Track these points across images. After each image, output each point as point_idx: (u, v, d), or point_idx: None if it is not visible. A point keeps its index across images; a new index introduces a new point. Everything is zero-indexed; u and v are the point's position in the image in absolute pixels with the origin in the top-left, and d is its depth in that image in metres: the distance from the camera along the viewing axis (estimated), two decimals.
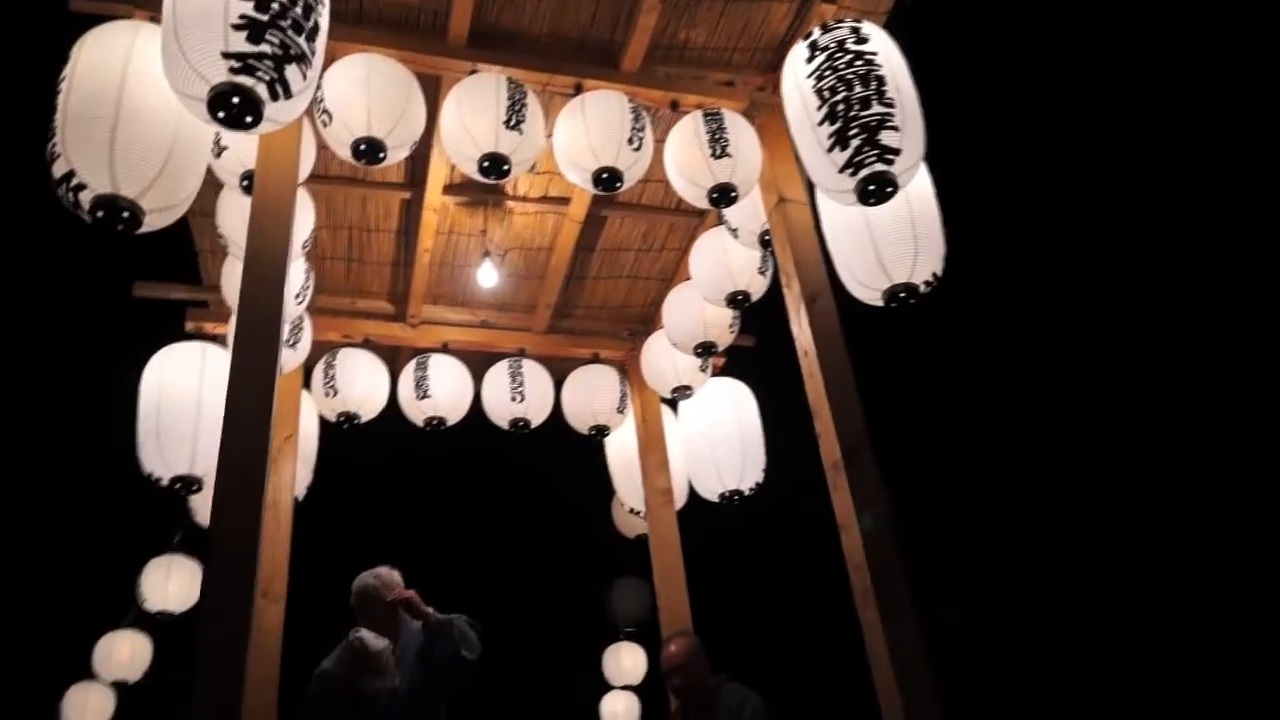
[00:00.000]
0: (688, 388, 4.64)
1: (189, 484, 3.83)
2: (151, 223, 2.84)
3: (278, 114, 2.54)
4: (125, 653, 6.30)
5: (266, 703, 3.76)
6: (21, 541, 8.56)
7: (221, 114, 2.46)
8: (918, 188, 3.36)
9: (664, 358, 4.67)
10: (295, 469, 4.30)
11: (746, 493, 4.48)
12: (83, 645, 6.50)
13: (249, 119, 2.49)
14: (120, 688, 6.51)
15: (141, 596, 5.76)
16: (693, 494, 4.70)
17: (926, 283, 3.33)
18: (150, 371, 3.99)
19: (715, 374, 4.86)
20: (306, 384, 4.58)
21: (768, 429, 4.61)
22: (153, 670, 6.51)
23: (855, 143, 2.91)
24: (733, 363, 5.07)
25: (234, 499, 2.37)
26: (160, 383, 3.93)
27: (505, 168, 3.26)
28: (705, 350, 4.37)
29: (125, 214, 2.74)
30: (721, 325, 4.33)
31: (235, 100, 2.44)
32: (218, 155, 3.24)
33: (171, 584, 5.70)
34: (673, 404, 4.90)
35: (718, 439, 4.52)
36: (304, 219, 3.52)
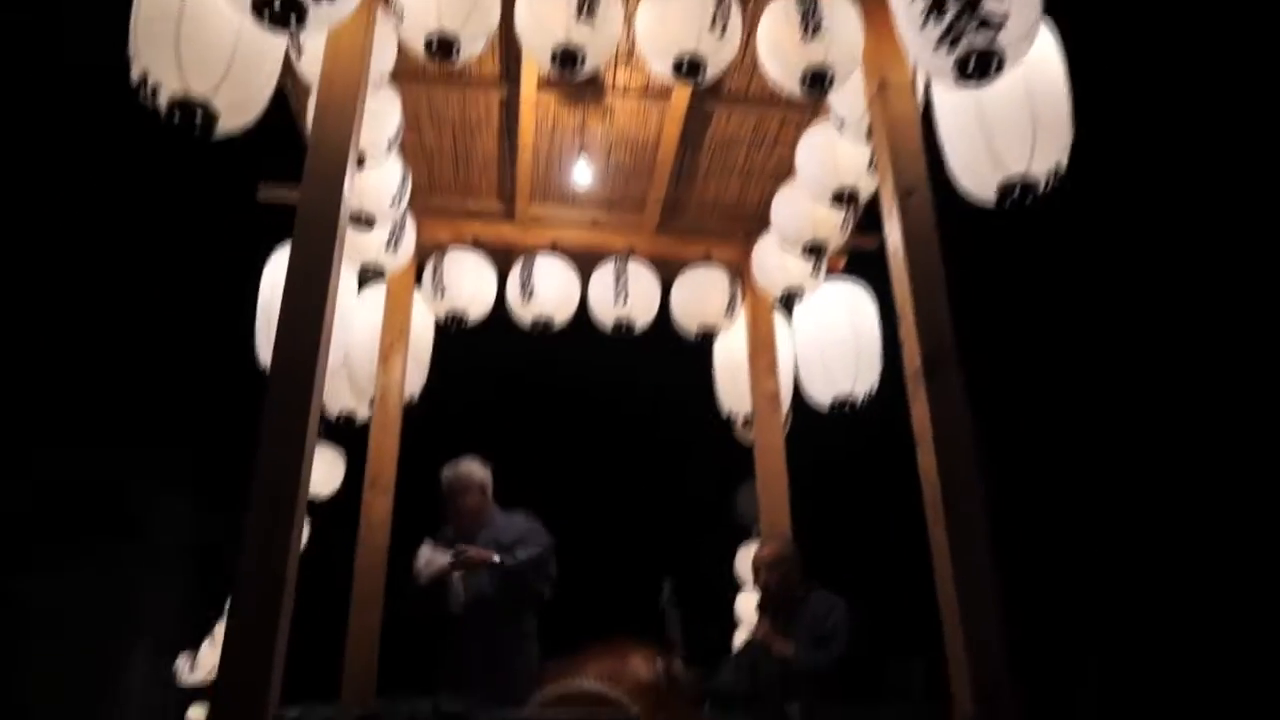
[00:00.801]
0: (799, 290, 4.42)
1: None
2: (229, 123, 2.89)
3: (323, 15, 2.49)
4: None
5: (373, 590, 3.95)
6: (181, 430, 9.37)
7: (266, 15, 2.44)
8: (1040, 60, 2.97)
9: (775, 258, 4.46)
10: (404, 367, 4.41)
11: (859, 400, 4.27)
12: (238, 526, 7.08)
13: (294, 19, 2.45)
14: None
15: None
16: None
17: (1049, 176, 2.98)
18: (268, 270, 4.15)
19: (833, 276, 4.61)
20: (420, 284, 4.67)
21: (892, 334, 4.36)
22: (305, 555, 7.03)
23: (952, 11, 2.59)
24: (854, 264, 4.79)
25: (285, 404, 2.43)
26: (274, 281, 4.08)
27: (580, 60, 3.10)
28: (814, 251, 4.13)
29: (200, 113, 2.78)
30: (832, 225, 4.07)
31: (277, 2, 2.40)
32: (299, 58, 3.24)
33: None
34: (787, 307, 4.71)
35: (830, 343, 4.32)
36: (386, 118, 3.48)
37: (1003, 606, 2.26)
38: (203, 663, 9.88)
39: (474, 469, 4.23)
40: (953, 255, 2.96)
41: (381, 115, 3.44)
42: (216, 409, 9.31)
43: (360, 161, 3.43)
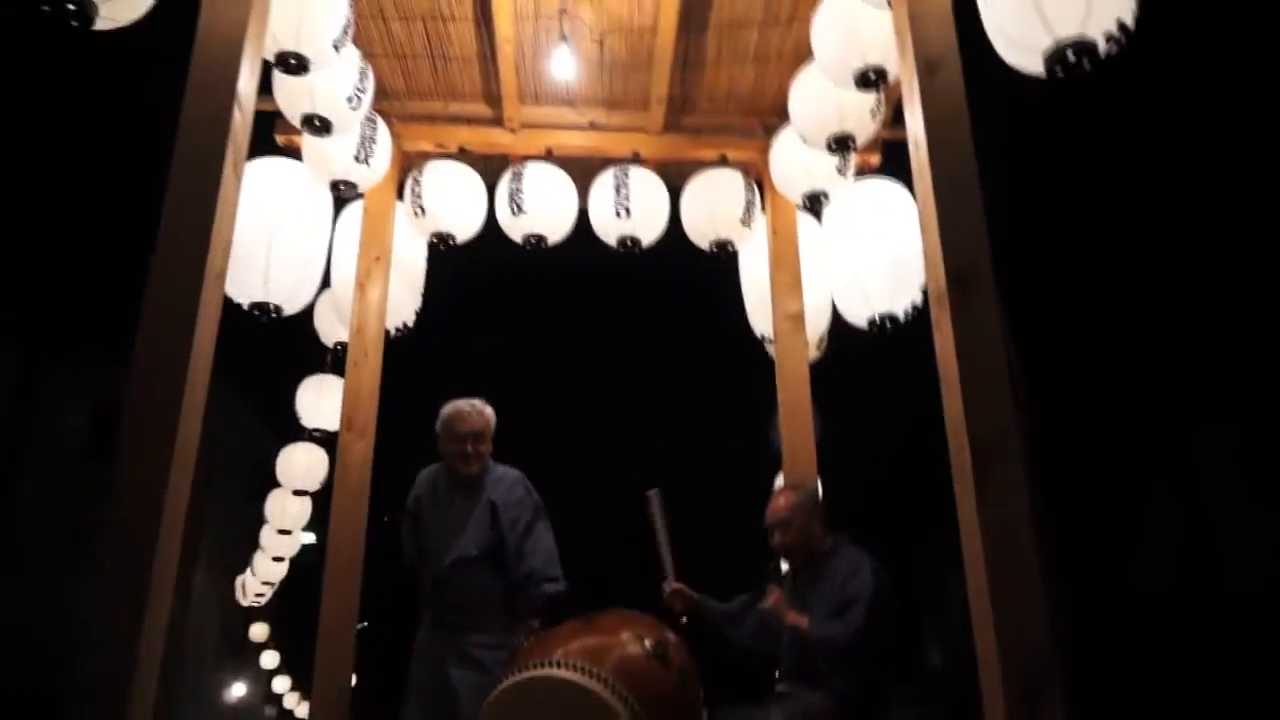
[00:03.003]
0: (824, 192, 3.86)
1: (265, 310, 3.62)
2: (112, 15, 2.46)
3: None
4: (302, 464, 6.58)
5: (352, 535, 3.61)
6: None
7: None
8: None
9: (796, 156, 3.88)
10: (384, 293, 3.99)
11: (901, 317, 3.75)
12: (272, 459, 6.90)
13: None
14: (303, 495, 6.91)
15: (299, 414, 5.89)
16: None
17: (1110, 37, 2.40)
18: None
19: (867, 174, 4.03)
20: (402, 200, 4.21)
21: None
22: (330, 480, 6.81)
23: None
24: (891, 160, 4.19)
25: (163, 328, 2.04)
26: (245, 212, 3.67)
27: None
28: (841, 145, 3.54)
29: (73, 7, 2.37)
30: (860, 111, 3.47)
31: None
32: None
33: (324, 402, 5.78)
34: (816, 213, 4.14)
35: (865, 253, 3.78)
36: (328, 10, 2.98)
37: (1046, 595, 1.78)
38: (248, 588, 9.96)
39: (489, 411, 3.80)
40: (990, 146, 2.41)
41: (321, 7, 2.95)
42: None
43: (301, 63, 2.99)
